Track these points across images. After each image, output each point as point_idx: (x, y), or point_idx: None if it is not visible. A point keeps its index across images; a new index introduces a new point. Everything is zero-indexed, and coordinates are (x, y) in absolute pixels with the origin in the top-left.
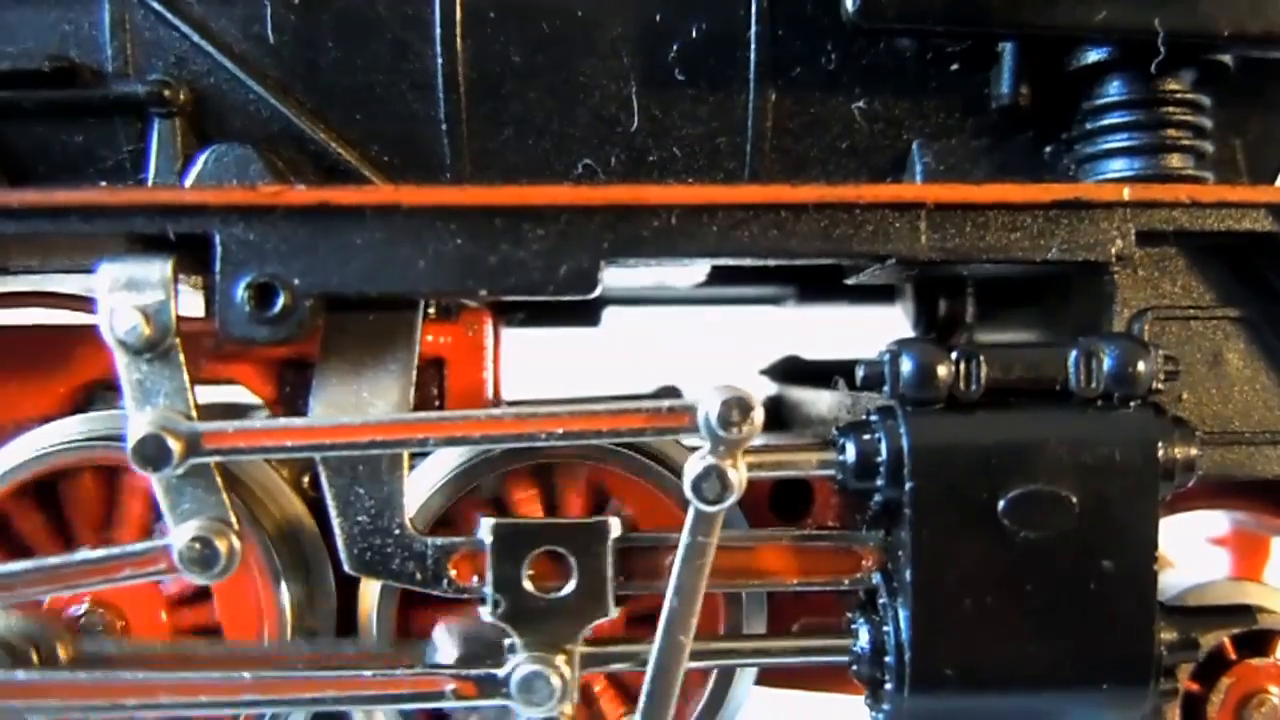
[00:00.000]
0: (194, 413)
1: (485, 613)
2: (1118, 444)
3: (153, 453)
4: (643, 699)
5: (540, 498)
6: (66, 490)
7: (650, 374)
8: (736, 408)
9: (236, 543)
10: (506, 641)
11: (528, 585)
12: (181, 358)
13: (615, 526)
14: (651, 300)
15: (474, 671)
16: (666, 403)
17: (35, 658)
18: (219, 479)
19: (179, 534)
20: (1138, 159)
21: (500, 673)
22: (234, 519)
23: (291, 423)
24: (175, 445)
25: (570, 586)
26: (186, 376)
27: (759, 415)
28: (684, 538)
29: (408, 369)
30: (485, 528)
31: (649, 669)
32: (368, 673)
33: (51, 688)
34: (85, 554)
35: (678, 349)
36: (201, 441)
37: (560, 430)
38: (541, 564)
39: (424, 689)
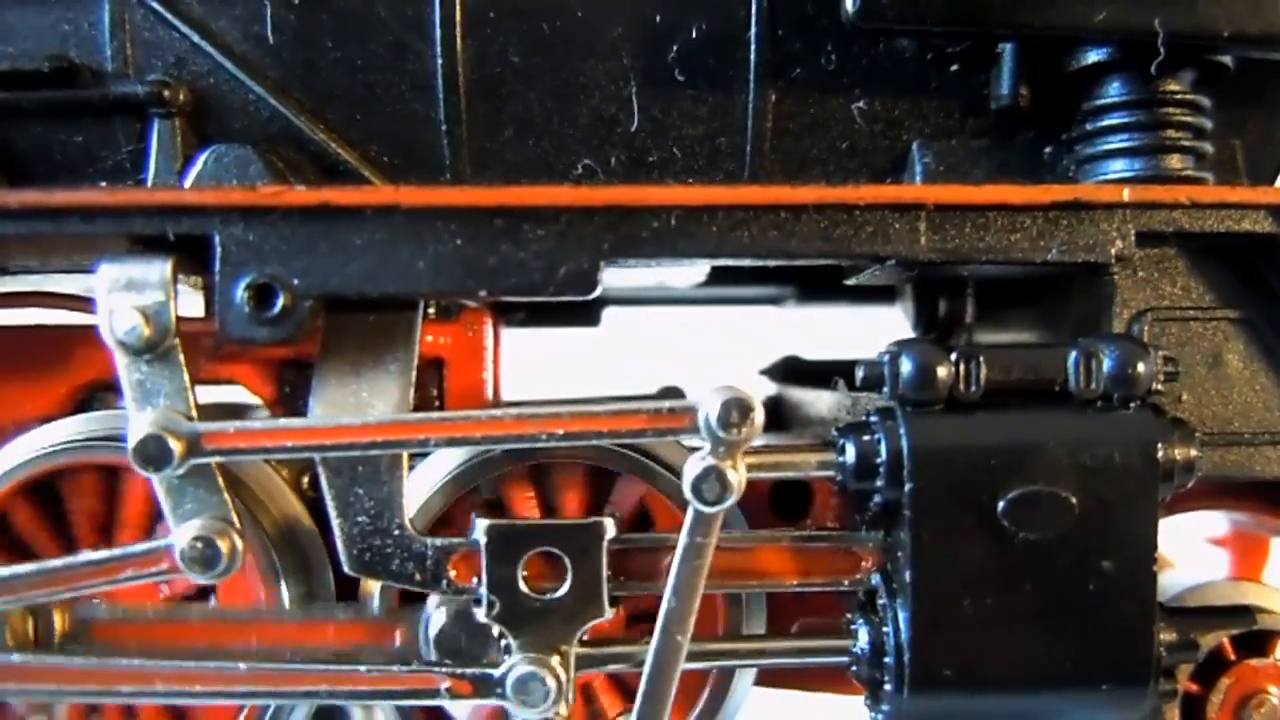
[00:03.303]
0: (194, 413)
1: (480, 614)
2: (1117, 445)
3: (154, 453)
4: (639, 699)
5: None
6: (67, 490)
7: (650, 374)
8: (736, 409)
9: (239, 542)
10: (502, 642)
11: (523, 586)
12: (182, 358)
13: (610, 527)
14: (651, 300)
15: (470, 670)
16: (667, 404)
17: (30, 627)
18: (220, 479)
19: (181, 534)
20: (1137, 160)
21: (496, 672)
22: (236, 518)
23: (291, 423)
24: (176, 446)
25: (565, 587)
26: (187, 377)
27: (759, 416)
28: (683, 538)
29: (407, 369)
30: (480, 528)
31: (646, 669)
32: (363, 668)
33: (47, 671)
34: (88, 556)
35: (678, 349)
36: (202, 442)
37: (560, 431)
38: (536, 565)
39: (419, 686)
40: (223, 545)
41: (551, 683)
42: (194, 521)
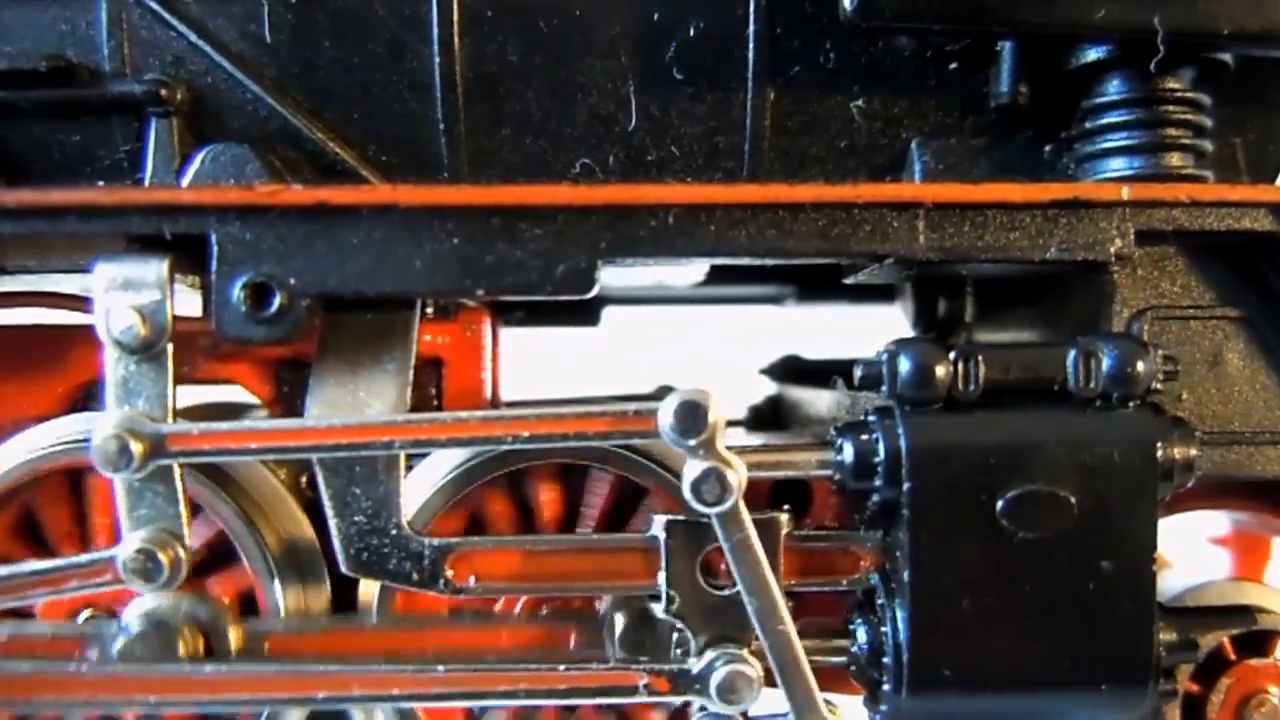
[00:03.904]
0: (170, 416)
1: (659, 609)
2: (1116, 444)
3: (114, 454)
4: (785, 701)
5: None
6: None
7: (650, 374)
8: (689, 412)
9: (183, 554)
10: (677, 637)
11: (701, 582)
12: (170, 360)
13: (785, 522)
14: (650, 300)
15: (667, 667)
16: (632, 406)
17: (202, 646)
18: (180, 486)
19: (125, 544)
20: (1137, 158)
21: (694, 668)
22: (186, 530)
23: (258, 425)
24: (137, 447)
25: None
26: (171, 379)
27: (714, 413)
28: (723, 543)
29: (405, 369)
30: (658, 525)
31: (774, 669)
32: (562, 667)
33: (240, 681)
34: (32, 565)
35: (677, 349)
36: (166, 444)
37: (526, 433)
38: (713, 561)
39: (617, 683)
40: (164, 558)
41: (753, 675)
42: (139, 532)
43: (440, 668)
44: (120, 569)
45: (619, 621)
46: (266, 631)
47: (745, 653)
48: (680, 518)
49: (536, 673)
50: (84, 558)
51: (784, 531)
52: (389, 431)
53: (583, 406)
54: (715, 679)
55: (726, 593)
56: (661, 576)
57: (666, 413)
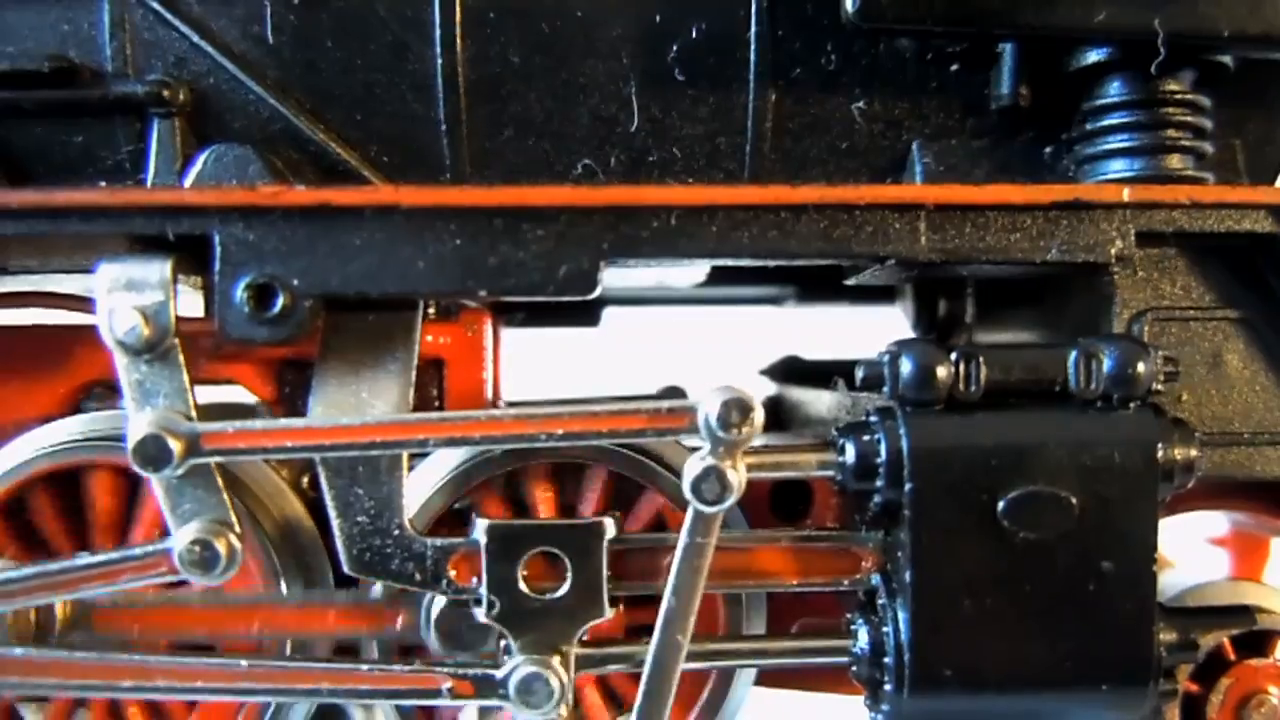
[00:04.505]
0: (193, 413)
1: (480, 614)
2: (1117, 445)
3: (153, 453)
4: (639, 699)
5: None
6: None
7: (650, 374)
8: (736, 409)
9: (237, 544)
10: (502, 643)
11: (523, 586)
12: (181, 358)
13: (610, 527)
14: (651, 300)
15: (472, 671)
16: (667, 403)
17: (33, 615)
18: (219, 479)
19: (179, 536)
20: (1137, 160)
21: (498, 673)
22: (234, 520)
23: (291, 423)
24: (175, 446)
25: (565, 587)
26: (186, 377)
27: (759, 416)
28: (682, 538)
29: (407, 369)
30: (480, 528)
31: (646, 669)
32: (365, 666)
33: (49, 665)
34: (86, 558)
35: (678, 349)
36: (201, 442)
37: (560, 431)
38: (537, 565)
39: (420, 686)
40: (221, 547)
41: (554, 683)
42: (192, 524)
43: (244, 663)
44: (177, 562)
45: (437, 606)
46: (91, 605)
47: (551, 658)
48: (502, 521)
49: (339, 672)
50: (138, 550)
51: (607, 536)
52: (425, 429)
53: (613, 404)
54: (514, 683)
55: (547, 598)
56: (482, 580)
57: (712, 406)
